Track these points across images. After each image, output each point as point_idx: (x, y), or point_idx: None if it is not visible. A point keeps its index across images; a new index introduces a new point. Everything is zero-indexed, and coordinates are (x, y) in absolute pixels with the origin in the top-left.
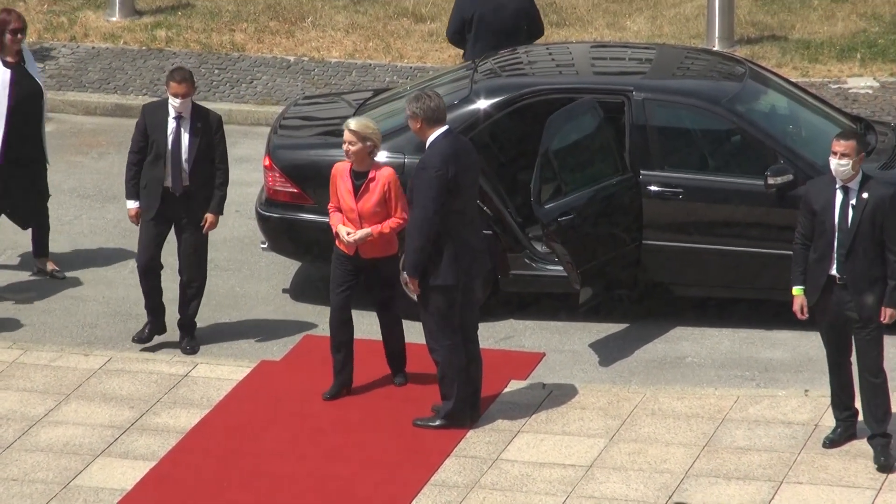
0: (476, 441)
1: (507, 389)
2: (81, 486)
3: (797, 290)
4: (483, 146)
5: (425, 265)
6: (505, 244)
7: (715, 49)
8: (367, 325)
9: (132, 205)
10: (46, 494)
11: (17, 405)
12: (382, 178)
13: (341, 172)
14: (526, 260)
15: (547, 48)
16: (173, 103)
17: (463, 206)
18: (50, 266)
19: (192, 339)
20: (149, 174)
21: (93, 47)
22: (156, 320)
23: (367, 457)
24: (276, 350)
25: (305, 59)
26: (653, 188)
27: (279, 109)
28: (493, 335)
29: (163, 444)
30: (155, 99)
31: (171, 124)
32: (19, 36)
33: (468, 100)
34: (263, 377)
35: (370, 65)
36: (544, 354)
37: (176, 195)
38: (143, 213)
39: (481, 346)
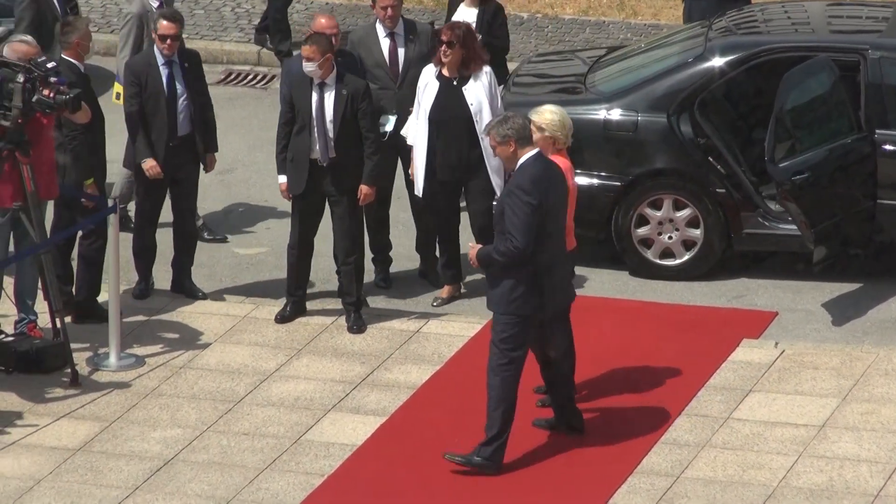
0: (707, 400)
1: (739, 348)
2: (312, 441)
3: None
4: (717, 104)
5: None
6: (738, 202)
7: None
8: (596, 283)
9: (283, 179)
10: (277, 448)
11: (249, 360)
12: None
13: None
14: (759, 218)
15: (783, 6)
16: (307, 68)
17: (552, 229)
18: None
19: (359, 319)
20: (295, 146)
21: (326, 3)
22: (298, 301)
23: (597, 414)
24: None
25: (539, 15)
26: (888, 147)
27: (512, 66)
28: (726, 293)
29: (394, 399)
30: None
31: (314, 93)
32: (445, 49)
33: (702, 57)
34: None
35: (604, 22)
36: (777, 313)
37: (324, 166)
38: (292, 188)
39: (714, 304)
